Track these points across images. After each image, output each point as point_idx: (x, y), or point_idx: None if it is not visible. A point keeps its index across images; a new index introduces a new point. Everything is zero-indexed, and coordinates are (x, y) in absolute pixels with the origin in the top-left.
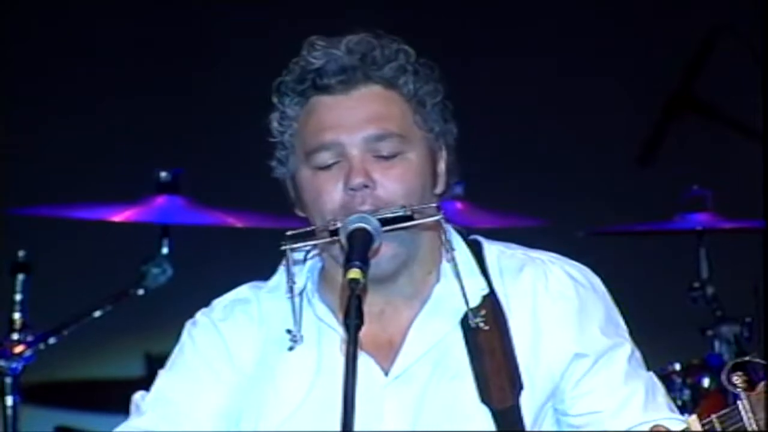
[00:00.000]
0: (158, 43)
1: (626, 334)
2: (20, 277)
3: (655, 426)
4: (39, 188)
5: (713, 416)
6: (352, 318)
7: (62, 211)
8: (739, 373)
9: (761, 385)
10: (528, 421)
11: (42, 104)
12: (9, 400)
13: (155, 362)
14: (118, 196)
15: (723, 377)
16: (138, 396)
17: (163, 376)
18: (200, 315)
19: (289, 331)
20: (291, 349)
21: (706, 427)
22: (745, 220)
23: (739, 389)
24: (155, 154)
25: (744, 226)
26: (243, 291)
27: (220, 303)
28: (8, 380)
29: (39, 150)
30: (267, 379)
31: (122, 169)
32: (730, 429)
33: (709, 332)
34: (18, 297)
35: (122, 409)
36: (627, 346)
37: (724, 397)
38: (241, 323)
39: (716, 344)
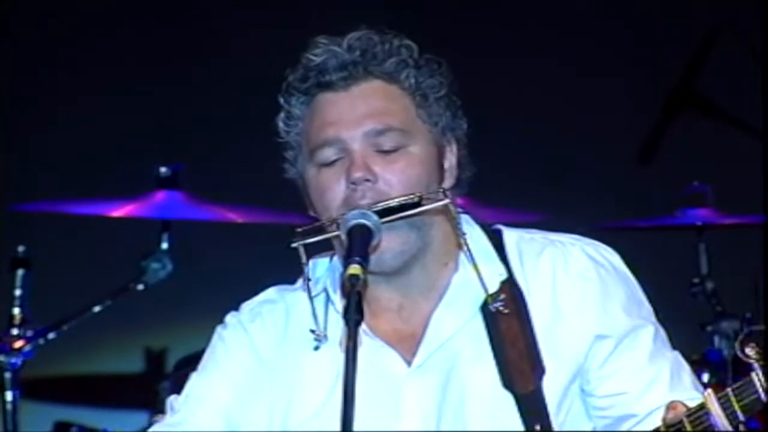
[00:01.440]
0: (158, 39)
1: (650, 314)
2: (20, 272)
3: (672, 402)
4: (39, 184)
5: (728, 389)
6: (351, 314)
7: (62, 207)
8: (753, 344)
9: None
10: (553, 403)
11: (42, 100)
12: (9, 396)
13: (155, 357)
14: (117, 192)
15: (737, 348)
16: (172, 398)
17: (194, 378)
18: (229, 317)
19: (312, 331)
20: (317, 348)
21: (722, 401)
22: (745, 215)
23: (752, 360)
24: (155, 150)
25: (744, 222)
26: (270, 293)
27: (247, 305)
28: (8, 375)
29: (39, 146)
30: (293, 377)
31: (122, 164)
32: (746, 401)
33: (709, 328)
34: (18, 292)
35: (122, 403)
36: (651, 326)
37: None
38: (267, 322)
39: (716, 340)
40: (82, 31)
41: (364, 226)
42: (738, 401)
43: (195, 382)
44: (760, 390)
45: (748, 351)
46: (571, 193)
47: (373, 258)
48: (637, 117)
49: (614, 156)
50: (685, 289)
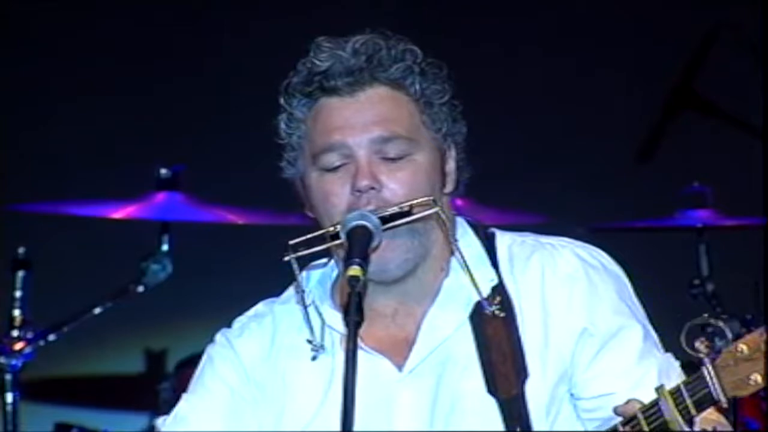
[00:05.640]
0: (159, 40)
1: (641, 315)
2: (20, 273)
3: (630, 400)
4: (39, 185)
5: (680, 384)
6: (352, 315)
7: (62, 208)
8: (702, 338)
9: (725, 351)
10: (541, 407)
11: (42, 101)
12: (9, 397)
13: (155, 358)
14: (118, 193)
15: (683, 343)
16: (159, 421)
17: (183, 399)
18: (219, 335)
19: (309, 342)
20: (314, 359)
21: (675, 395)
22: (745, 216)
23: (702, 355)
24: (155, 151)
25: (744, 223)
26: (259, 307)
27: (238, 321)
28: (8, 377)
29: (39, 147)
30: (283, 389)
31: (122, 166)
32: (697, 396)
33: (709, 329)
34: (18, 294)
35: (122, 405)
36: (641, 326)
37: None
38: (255, 337)
39: (716, 341)
40: (83, 31)
41: (364, 227)
42: (690, 396)
43: (183, 404)
44: (711, 385)
45: (698, 345)
46: (571, 193)
47: (377, 268)
48: (636, 117)
49: (614, 156)
50: (685, 290)
